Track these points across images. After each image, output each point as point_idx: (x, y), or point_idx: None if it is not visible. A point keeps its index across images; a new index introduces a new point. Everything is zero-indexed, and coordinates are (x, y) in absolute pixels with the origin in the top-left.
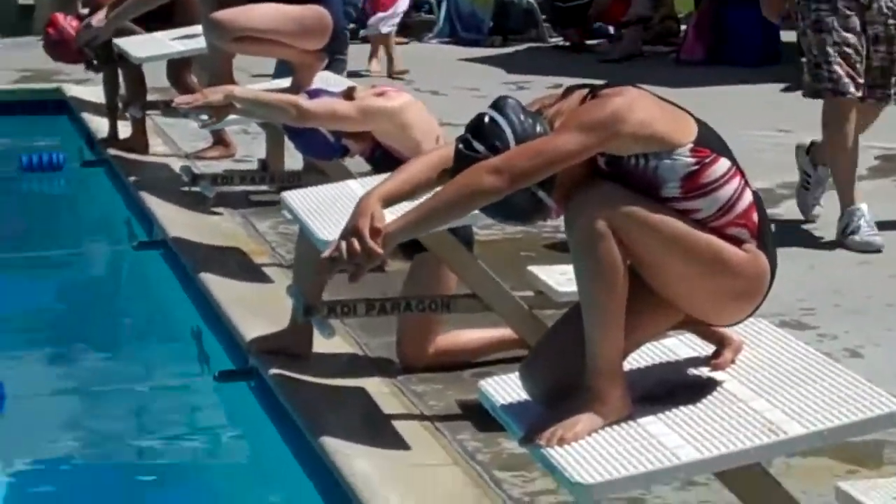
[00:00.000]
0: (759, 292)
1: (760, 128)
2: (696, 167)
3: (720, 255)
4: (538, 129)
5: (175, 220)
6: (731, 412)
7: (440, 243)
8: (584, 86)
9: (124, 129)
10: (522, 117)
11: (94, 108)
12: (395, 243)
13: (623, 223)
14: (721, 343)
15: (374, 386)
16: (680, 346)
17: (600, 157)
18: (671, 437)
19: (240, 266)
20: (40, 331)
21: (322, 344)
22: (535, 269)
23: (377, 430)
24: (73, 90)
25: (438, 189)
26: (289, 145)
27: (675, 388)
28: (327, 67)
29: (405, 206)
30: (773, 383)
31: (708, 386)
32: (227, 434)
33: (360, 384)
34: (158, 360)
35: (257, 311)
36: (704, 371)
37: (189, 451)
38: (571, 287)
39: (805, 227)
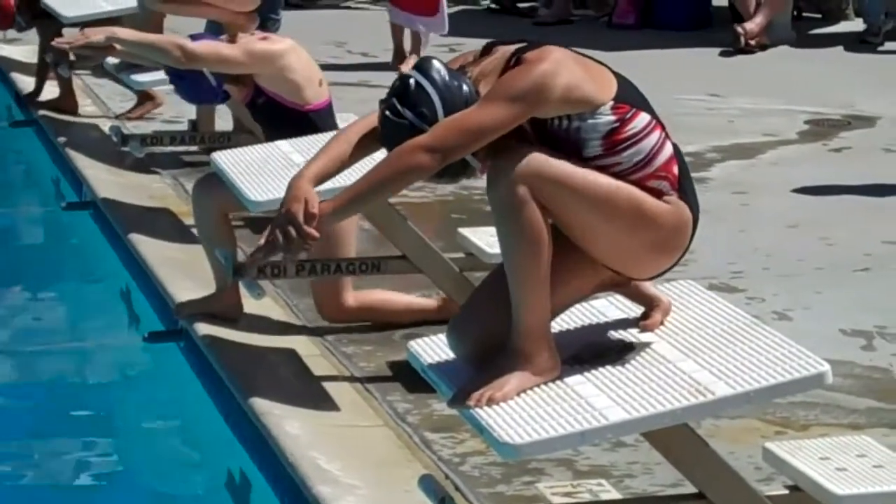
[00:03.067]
0: (681, 243)
1: (692, 92)
2: (617, 124)
3: (641, 208)
4: (464, 90)
5: (104, 181)
6: (660, 373)
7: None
8: (504, 42)
9: (53, 90)
10: (448, 79)
11: (23, 68)
12: (330, 225)
13: (543, 187)
14: (650, 304)
15: (304, 347)
16: (609, 307)
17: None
18: (600, 398)
19: (170, 227)
20: None
21: (252, 305)
22: (466, 231)
23: (307, 391)
24: (1, 49)
25: (371, 169)
26: (218, 107)
27: (604, 350)
28: (260, 27)
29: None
30: (701, 345)
31: (637, 347)
32: (156, 395)
33: (289, 345)
34: (88, 320)
35: (187, 272)
36: (633, 332)
37: (118, 412)
38: None
39: (735, 192)
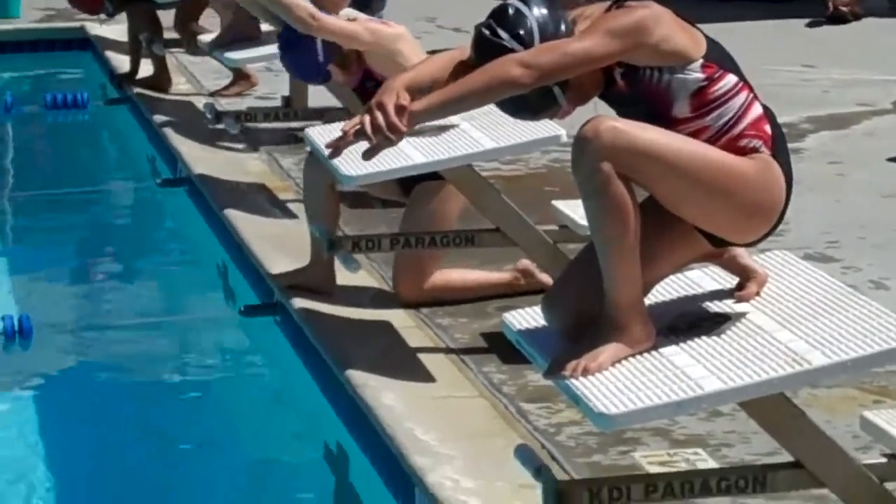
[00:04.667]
0: (774, 203)
1: (784, 63)
2: (705, 83)
3: (731, 171)
4: (562, 25)
5: (199, 158)
6: (756, 343)
7: (463, 179)
8: None
9: (147, 69)
10: (546, 11)
11: (118, 47)
12: (418, 122)
13: (626, 160)
14: (745, 275)
15: (399, 319)
16: (704, 278)
17: (617, 68)
18: (695, 368)
19: (264, 203)
20: (66, 268)
21: (346, 278)
22: (559, 204)
23: (402, 363)
24: (96, 29)
25: (466, 77)
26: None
27: (699, 320)
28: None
29: None
30: (797, 315)
31: (732, 318)
32: (253, 367)
33: (384, 317)
34: (184, 295)
35: (282, 246)
36: (728, 303)
37: (216, 385)
38: None
39: (829, 162)
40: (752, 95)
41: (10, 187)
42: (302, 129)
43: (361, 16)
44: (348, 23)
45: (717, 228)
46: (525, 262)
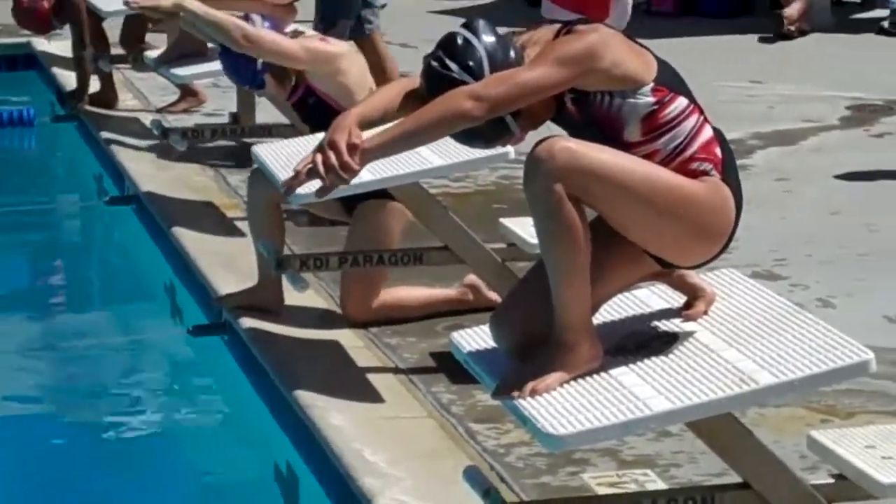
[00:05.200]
0: (723, 226)
1: (732, 79)
2: (656, 106)
3: (678, 191)
4: (511, 52)
5: (146, 175)
6: (703, 363)
7: (411, 196)
8: (554, 21)
9: (94, 85)
10: (495, 39)
11: (65, 63)
12: (370, 160)
13: (578, 181)
14: (693, 294)
15: (348, 339)
16: (652, 297)
17: (568, 94)
18: (643, 387)
19: (212, 220)
20: (12, 288)
21: (295, 298)
22: (508, 222)
23: (351, 383)
24: (43, 45)
25: (417, 111)
26: (259, 99)
27: (647, 340)
28: (328, 30)
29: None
30: (744, 334)
31: (680, 337)
32: (201, 387)
33: (333, 337)
34: (132, 315)
35: (230, 265)
36: (676, 322)
37: (163, 405)
38: None
39: (776, 179)
40: (702, 118)
41: None
42: (249, 146)
43: (311, 32)
44: (286, 42)
45: (666, 252)
46: (472, 278)
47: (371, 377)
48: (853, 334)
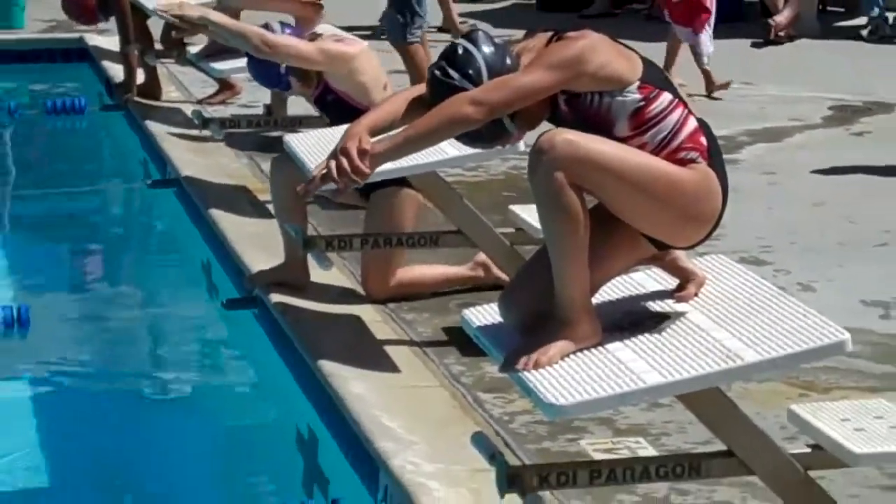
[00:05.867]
0: (711, 209)
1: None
2: (643, 103)
3: (672, 180)
4: (507, 60)
5: (187, 161)
6: (694, 340)
7: (429, 184)
8: (547, 29)
9: (140, 77)
10: (493, 48)
11: (114, 57)
12: (380, 164)
13: (579, 170)
14: (685, 277)
15: (368, 314)
16: (647, 279)
17: (561, 95)
18: (638, 362)
19: (246, 203)
20: (62, 263)
21: (319, 275)
22: (516, 208)
23: (370, 354)
24: (94, 40)
25: (421, 117)
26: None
27: (642, 319)
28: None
29: None
30: (732, 314)
31: (672, 317)
32: (232, 357)
33: (354, 312)
34: (171, 289)
35: (261, 244)
36: (669, 303)
37: (197, 373)
38: None
39: (764, 172)
40: (686, 111)
41: (12, 185)
42: (281, 136)
43: (330, 31)
44: (303, 45)
45: (660, 233)
46: (482, 256)
47: (388, 349)
48: (832, 316)
